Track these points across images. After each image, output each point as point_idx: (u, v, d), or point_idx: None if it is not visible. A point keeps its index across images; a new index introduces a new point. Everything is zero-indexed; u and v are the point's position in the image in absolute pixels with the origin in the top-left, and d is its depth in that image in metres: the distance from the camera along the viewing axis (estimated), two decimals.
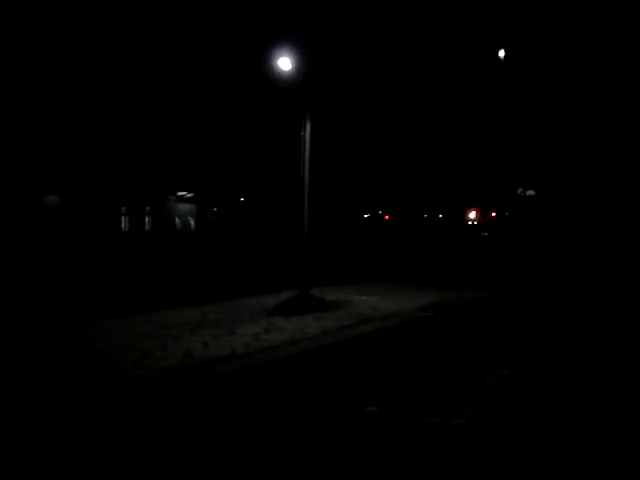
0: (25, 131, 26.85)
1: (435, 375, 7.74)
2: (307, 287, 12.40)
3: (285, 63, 12.27)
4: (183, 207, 40.71)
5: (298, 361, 8.31)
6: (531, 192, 43.15)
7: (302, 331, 10.08)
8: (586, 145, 39.14)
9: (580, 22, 35.36)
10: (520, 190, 42.12)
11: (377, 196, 46.11)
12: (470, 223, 45.21)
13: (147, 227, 37.61)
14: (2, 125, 25.80)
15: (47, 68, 26.91)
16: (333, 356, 8.80)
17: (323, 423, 5.87)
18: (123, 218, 36.08)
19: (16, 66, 25.92)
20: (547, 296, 15.60)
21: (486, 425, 5.92)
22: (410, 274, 20.05)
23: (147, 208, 37.58)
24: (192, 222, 41.39)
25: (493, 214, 42.22)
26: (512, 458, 5.13)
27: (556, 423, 5.94)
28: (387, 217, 49.96)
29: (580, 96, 37.52)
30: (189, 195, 39.68)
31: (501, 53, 28.68)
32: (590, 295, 15.62)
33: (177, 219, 40.63)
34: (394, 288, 16.21)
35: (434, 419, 5.98)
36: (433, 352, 9.16)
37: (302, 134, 12.35)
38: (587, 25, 35.39)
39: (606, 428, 5.79)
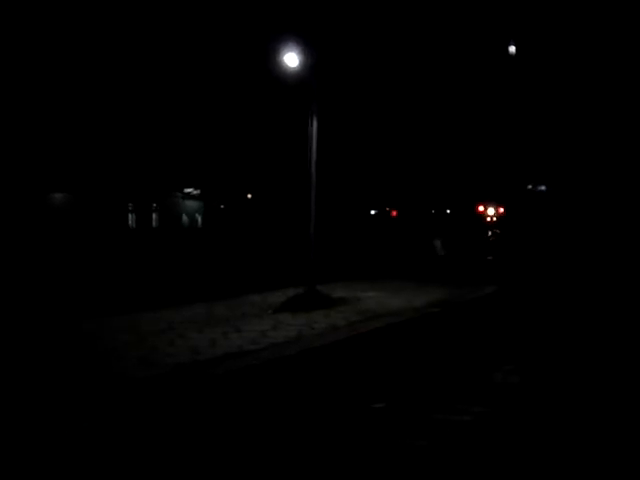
0: (31, 129, 26.92)
1: (442, 371, 7.71)
2: (314, 283, 12.39)
3: (291, 59, 12.19)
4: (190, 204, 40.78)
5: (305, 357, 8.30)
6: (542, 187, 42.94)
7: (309, 327, 10.08)
8: (597, 141, 38.89)
9: (591, 18, 35.11)
10: (530, 186, 41.92)
11: (384, 192, 46.05)
12: (482, 219, 45.00)
13: (154, 224, 37.69)
14: (8, 123, 25.87)
15: (53, 66, 26.97)
16: (340, 352, 8.79)
17: (330, 419, 5.87)
18: (130, 215, 36.16)
19: (22, 64, 25.98)
20: (556, 291, 15.52)
21: (493, 421, 5.88)
22: (417, 270, 20.02)
23: (154, 205, 37.66)
24: (199, 219, 41.46)
25: (501, 209, 42.06)
26: (519, 455, 5.10)
27: (565, 419, 5.91)
28: (394, 213, 49.86)
29: (591, 92, 37.29)
30: (196, 192, 39.73)
31: (511, 49, 28.51)
32: (600, 290, 15.52)
33: (184, 216, 40.70)
34: (401, 285, 16.18)
35: (441, 415, 5.97)
36: (440, 348, 9.14)
37: (309, 130, 12.33)
38: (598, 21, 35.14)
39: (617, 425, 5.75)
